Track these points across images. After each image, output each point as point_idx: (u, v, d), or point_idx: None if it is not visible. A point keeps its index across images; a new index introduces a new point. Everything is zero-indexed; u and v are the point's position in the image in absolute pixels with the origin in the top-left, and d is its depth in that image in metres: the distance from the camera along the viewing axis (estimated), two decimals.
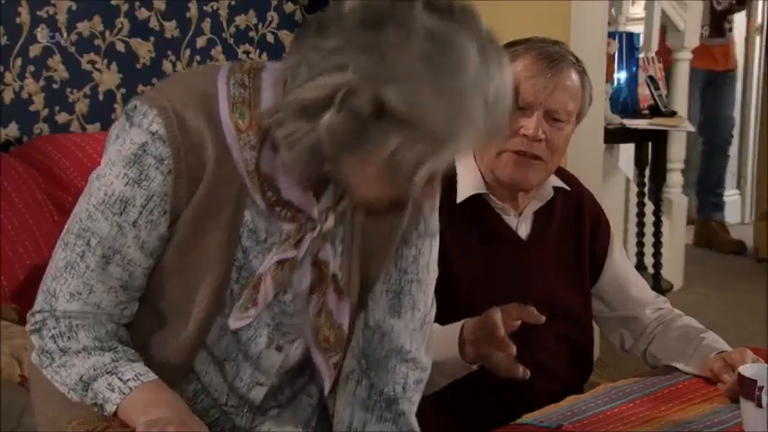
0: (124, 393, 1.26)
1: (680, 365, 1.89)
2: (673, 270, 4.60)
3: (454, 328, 1.72)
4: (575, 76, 1.87)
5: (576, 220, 2.00)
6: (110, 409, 1.28)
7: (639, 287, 2.06)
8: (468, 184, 1.90)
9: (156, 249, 1.29)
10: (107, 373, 1.28)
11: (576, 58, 1.90)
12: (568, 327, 1.95)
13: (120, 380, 1.27)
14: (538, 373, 1.83)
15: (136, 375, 1.28)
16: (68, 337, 1.30)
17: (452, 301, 1.87)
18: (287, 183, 1.27)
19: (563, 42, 1.93)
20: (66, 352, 1.29)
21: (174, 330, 1.33)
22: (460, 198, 1.90)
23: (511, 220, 1.93)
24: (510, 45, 1.89)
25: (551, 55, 1.85)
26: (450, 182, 1.91)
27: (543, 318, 1.65)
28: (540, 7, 3.25)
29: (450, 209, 1.88)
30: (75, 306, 1.30)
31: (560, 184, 1.99)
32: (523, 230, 1.95)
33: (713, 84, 5.25)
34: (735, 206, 6.04)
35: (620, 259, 2.05)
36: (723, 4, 5.06)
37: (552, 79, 1.83)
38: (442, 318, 1.82)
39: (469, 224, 1.90)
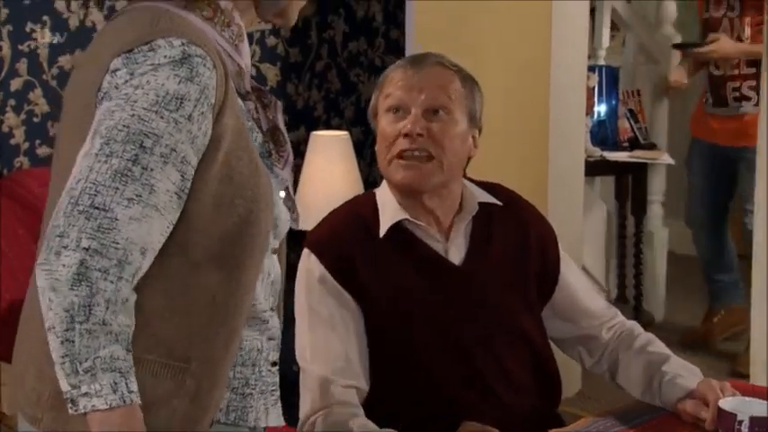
0: (124, 402, 1.24)
1: (651, 402, 1.87)
2: (654, 302, 4.62)
3: None
4: (443, 71, 1.88)
5: (519, 237, 1.95)
6: (97, 405, 1.23)
7: (592, 297, 2.03)
8: (388, 217, 1.87)
9: (201, 147, 1.32)
10: (120, 371, 1.24)
11: (452, 63, 1.91)
12: (528, 351, 1.92)
13: (127, 386, 1.25)
14: (507, 411, 1.81)
15: (137, 391, 1.26)
16: (114, 312, 1.24)
17: (395, 341, 1.83)
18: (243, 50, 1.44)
19: (439, 55, 1.93)
20: (105, 324, 1.24)
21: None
22: (382, 232, 1.86)
23: (439, 246, 1.89)
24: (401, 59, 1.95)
25: (414, 58, 1.90)
26: (370, 220, 1.88)
27: None
28: (522, 47, 3.27)
29: (373, 246, 1.85)
30: (134, 227, 1.24)
31: (489, 199, 1.95)
32: (456, 256, 1.90)
33: None
34: None
35: (571, 272, 2.02)
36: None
37: (418, 76, 1.86)
38: (386, 363, 1.82)
39: (396, 259, 1.86)
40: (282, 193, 1.47)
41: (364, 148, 3.96)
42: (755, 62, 3.87)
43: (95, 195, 1.25)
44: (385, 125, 1.87)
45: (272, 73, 3.67)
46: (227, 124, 1.35)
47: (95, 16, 3.18)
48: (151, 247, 1.29)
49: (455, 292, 1.87)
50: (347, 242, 1.86)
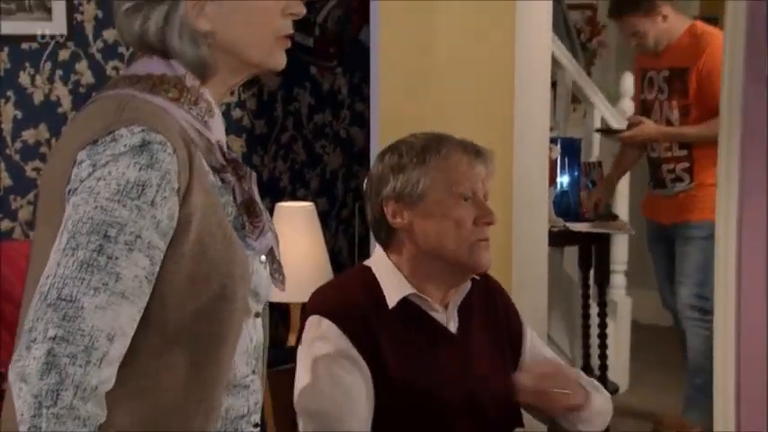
0: None
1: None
2: (618, 371, 4.62)
3: None
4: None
5: (490, 307, 2.04)
6: None
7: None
8: (395, 289, 1.92)
9: (168, 230, 1.32)
10: None
11: None
12: (514, 420, 1.97)
13: None
14: None
15: None
16: (82, 399, 1.23)
17: (402, 407, 1.86)
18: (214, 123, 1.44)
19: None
20: (73, 409, 1.23)
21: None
22: (392, 303, 1.91)
23: (440, 316, 1.95)
24: (434, 140, 1.96)
25: (474, 149, 1.96)
26: (375, 292, 1.92)
27: None
28: (484, 120, 3.31)
29: (383, 316, 1.90)
30: (100, 315, 1.25)
31: None
32: (452, 325, 1.97)
33: None
34: None
35: (533, 339, 2.09)
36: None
37: (483, 169, 1.94)
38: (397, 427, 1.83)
39: (404, 328, 1.91)
40: (263, 258, 1.47)
41: (329, 219, 3.97)
42: (688, 144, 3.92)
43: (62, 288, 1.26)
44: (462, 210, 1.91)
45: (237, 144, 3.69)
46: (196, 204, 1.35)
47: (60, 91, 3.19)
48: (120, 333, 1.28)
49: (459, 363, 1.93)
50: (364, 312, 1.89)
